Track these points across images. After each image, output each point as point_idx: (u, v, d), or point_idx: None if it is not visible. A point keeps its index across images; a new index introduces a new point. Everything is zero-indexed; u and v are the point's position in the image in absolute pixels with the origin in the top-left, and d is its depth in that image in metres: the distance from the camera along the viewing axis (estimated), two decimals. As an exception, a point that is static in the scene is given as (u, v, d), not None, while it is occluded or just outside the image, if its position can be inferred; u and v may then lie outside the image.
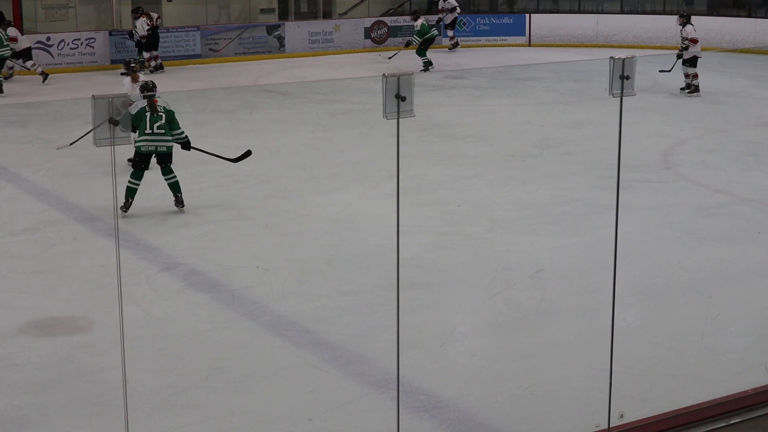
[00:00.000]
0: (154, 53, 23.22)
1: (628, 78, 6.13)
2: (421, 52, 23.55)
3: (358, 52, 26.66)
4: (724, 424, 6.40)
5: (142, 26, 22.83)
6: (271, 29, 26.37)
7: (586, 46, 27.57)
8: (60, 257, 10.23)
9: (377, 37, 27.38)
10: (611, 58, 6.16)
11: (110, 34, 24.17)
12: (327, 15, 29.51)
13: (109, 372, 7.34)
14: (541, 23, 28.38)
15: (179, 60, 24.66)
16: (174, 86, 21.31)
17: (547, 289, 9.26)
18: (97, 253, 10.17)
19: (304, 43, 26.66)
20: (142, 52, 23.00)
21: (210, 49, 25.29)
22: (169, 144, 11.37)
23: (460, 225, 11.19)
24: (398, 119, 5.57)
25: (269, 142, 15.67)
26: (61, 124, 17.17)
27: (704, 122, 17.22)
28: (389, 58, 25.25)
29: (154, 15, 23.37)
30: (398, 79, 5.57)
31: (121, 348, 5.59)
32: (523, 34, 28.42)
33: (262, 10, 28.45)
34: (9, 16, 23.69)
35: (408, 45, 24.82)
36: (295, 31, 26.66)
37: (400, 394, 6.29)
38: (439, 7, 27.23)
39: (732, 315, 8.70)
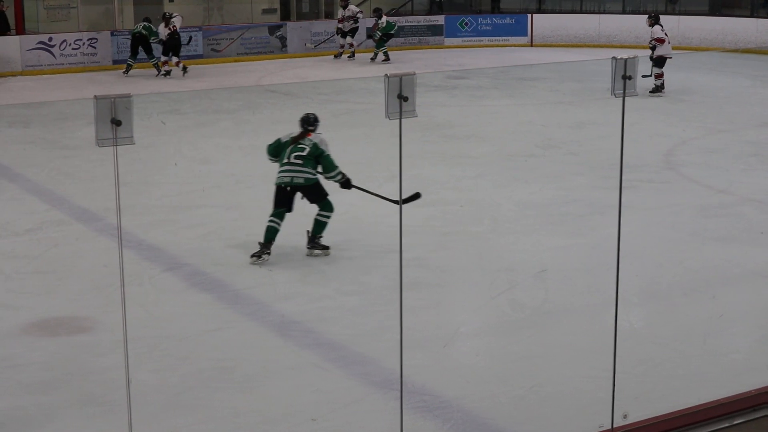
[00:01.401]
0: (174, 58, 23.06)
1: (630, 78, 6.13)
2: (380, 44, 25.44)
3: (359, 53, 26.66)
4: (727, 425, 6.40)
5: (162, 31, 22.76)
6: (273, 29, 26.40)
7: (588, 46, 27.59)
8: (63, 257, 10.23)
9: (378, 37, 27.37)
10: (613, 58, 6.16)
11: (112, 34, 24.19)
12: (329, 15, 29.54)
13: (112, 372, 7.33)
14: (542, 23, 28.40)
15: (181, 60, 24.68)
16: (176, 86, 21.35)
17: (549, 290, 9.27)
18: (100, 253, 10.17)
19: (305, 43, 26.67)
20: (160, 56, 22.93)
21: (212, 50, 25.31)
22: (308, 176, 9.95)
23: (463, 225, 11.19)
24: (400, 119, 5.57)
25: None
26: (63, 124, 17.19)
27: (706, 122, 17.23)
28: (314, 47, 26.32)
29: (174, 20, 23.15)
30: (400, 79, 5.57)
31: (125, 348, 5.59)
32: (525, 35, 28.44)
33: (264, 11, 28.49)
34: (11, 16, 23.71)
35: (370, 38, 25.82)
36: (297, 31, 26.68)
37: (403, 394, 6.29)
38: (339, 15, 26.47)
39: (735, 315, 8.70)
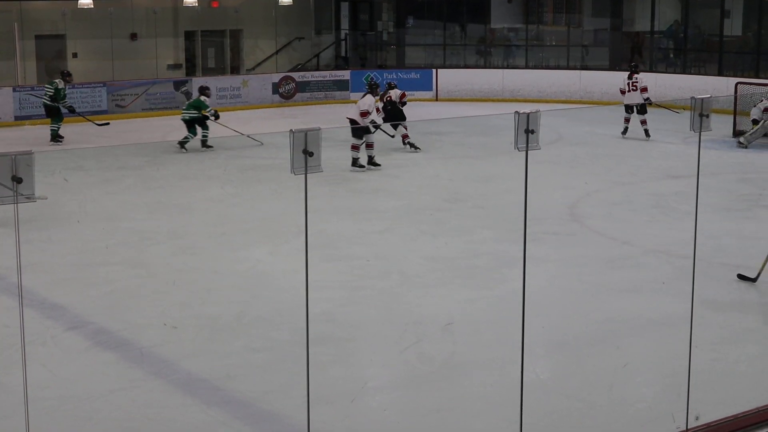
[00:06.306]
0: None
1: (533, 132, 6.21)
2: None
3: (266, 108, 26.69)
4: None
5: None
6: (178, 85, 26.29)
7: (493, 100, 27.94)
8: (-38, 318, 9.99)
9: (285, 93, 27.44)
10: (516, 112, 6.24)
11: (14, 90, 23.87)
12: (235, 70, 29.53)
13: (13, 435, 7.17)
14: (448, 78, 28.70)
15: (85, 116, 24.43)
16: (81, 143, 21.10)
17: (458, 342, 9.29)
18: (0, 312, 9.96)
19: (211, 98, 26.60)
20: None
21: (117, 105, 25.11)
22: None
23: (371, 279, 11.19)
24: (306, 174, 5.57)
25: (178, 198, 15.56)
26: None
27: (610, 175, 17.51)
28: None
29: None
30: (305, 134, 5.58)
31: (25, 409, 5.47)
32: (431, 89, 28.71)
33: (169, 66, 28.38)
34: None
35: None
36: (203, 86, 26.61)
37: (312, 451, 6.24)
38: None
39: (639, 365, 8.81)
